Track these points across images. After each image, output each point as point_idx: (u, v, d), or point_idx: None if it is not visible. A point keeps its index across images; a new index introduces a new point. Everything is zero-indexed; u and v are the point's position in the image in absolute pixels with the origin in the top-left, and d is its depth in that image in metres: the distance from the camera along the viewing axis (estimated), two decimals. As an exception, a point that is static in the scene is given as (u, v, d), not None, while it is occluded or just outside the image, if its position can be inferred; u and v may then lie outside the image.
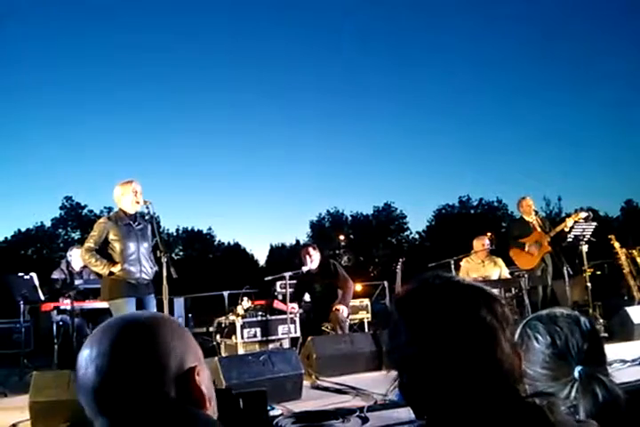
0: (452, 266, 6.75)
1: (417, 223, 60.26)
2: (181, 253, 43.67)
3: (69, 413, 3.10)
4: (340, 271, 6.05)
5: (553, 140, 60.61)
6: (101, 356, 0.88)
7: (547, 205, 38.58)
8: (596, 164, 60.23)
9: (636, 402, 1.14)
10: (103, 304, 5.12)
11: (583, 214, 6.65)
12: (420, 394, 0.90)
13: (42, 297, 5.92)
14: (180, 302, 8.93)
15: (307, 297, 6.48)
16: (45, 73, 58.32)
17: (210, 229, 45.18)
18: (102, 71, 59.15)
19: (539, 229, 6.90)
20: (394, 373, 0.93)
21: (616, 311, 5.87)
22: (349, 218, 46.35)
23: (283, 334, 6.33)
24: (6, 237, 40.09)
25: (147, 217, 4.82)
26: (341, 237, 44.13)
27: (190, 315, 9.51)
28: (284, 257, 36.55)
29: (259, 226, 68.99)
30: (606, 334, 5.43)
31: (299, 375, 3.79)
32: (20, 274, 5.89)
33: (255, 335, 6.28)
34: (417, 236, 46.14)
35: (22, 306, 5.92)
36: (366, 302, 8.45)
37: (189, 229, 44.65)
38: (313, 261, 6.05)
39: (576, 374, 1.17)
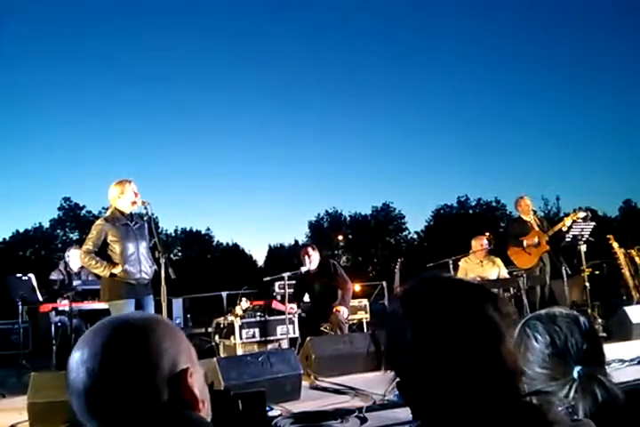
0: (451, 266, 6.75)
1: (415, 223, 60.20)
2: (180, 254, 43.66)
3: (68, 414, 3.10)
4: (339, 271, 6.05)
5: (551, 139, 60.77)
6: (92, 358, 0.87)
7: (545, 205, 38.62)
8: (595, 163, 60.49)
9: (634, 402, 1.14)
10: (102, 305, 5.12)
11: (582, 214, 6.64)
12: (423, 394, 0.89)
13: (40, 298, 5.91)
14: (178, 303, 8.94)
15: (306, 297, 6.48)
16: (45, 73, 58.31)
17: (208, 229, 45.25)
18: (102, 71, 59.18)
19: (537, 229, 6.91)
20: (392, 373, 0.92)
21: (614, 311, 5.87)
22: (348, 218, 46.42)
23: (281, 334, 6.32)
24: (4, 238, 40.16)
25: (145, 218, 4.81)
26: (340, 238, 44.15)
27: (189, 315, 9.53)
28: (283, 257, 36.52)
29: (257, 226, 68.92)
30: (605, 334, 5.44)
31: (297, 376, 3.79)
32: (19, 275, 5.89)
33: (254, 336, 6.28)
34: (415, 236, 46.27)
35: (20, 307, 5.92)
36: (365, 302, 8.44)
37: (188, 229, 44.68)
38: (312, 261, 6.04)
39: (575, 374, 1.17)
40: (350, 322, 6.94)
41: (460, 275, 6.59)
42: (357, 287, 9.53)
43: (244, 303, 6.51)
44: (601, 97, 57.51)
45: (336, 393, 3.86)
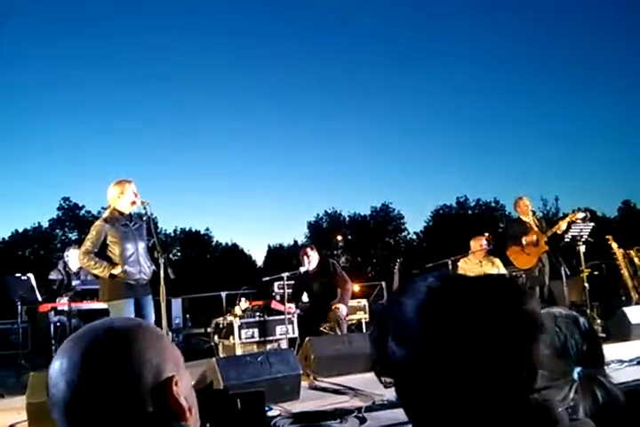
0: (450, 266, 6.76)
1: (414, 224, 60.36)
2: (179, 254, 43.66)
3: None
4: (339, 271, 6.06)
5: (550, 140, 60.84)
6: (72, 369, 0.83)
7: (544, 206, 38.72)
8: (594, 164, 60.40)
9: (633, 402, 1.14)
10: (101, 305, 5.11)
11: (580, 215, 6.64)
12: (428, 400, 0.85)
13: (39, 298, 5.91)
14: (177, 303, 8.93)
15: (304, 297, 6.48)
16: (45, 73, 58.30)
17: (207, 229, 45.25)
18: (102, 71, 59.16)
19: (536, 229, 6.92)
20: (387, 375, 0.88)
21: (613, 312, 5.88)
22: (347, 219, 46.43)
23: (280, 334, 6.33)
24: (4, 238, 40.18)
25: (144, 218, 4.80)
26: (339, 238, 44.13)
27: (188, 316, 9.52)
28: (282, 258, 36.53)
29: (256, 227, 68.98)
30: (604, 335, 5.45)
31: (296, 376, 3.79)
32: (18, 275, 5.89)
33: (253, 336, 6.29)
34: (414, 236, 46.27)
35: (20, 307, 5.93)
36: (364, 302, 8.44)
37: (187, 229, 44.66)
38: (311, 261, 6.05)
39: (575, 375, 1.17)
40: (349, 322, 6.94)
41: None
42: (356, 288, 9.53)
43: (244, 303, 6.51)
44: (600, 97, 57.60)
45: (335, 393, 3.87)
